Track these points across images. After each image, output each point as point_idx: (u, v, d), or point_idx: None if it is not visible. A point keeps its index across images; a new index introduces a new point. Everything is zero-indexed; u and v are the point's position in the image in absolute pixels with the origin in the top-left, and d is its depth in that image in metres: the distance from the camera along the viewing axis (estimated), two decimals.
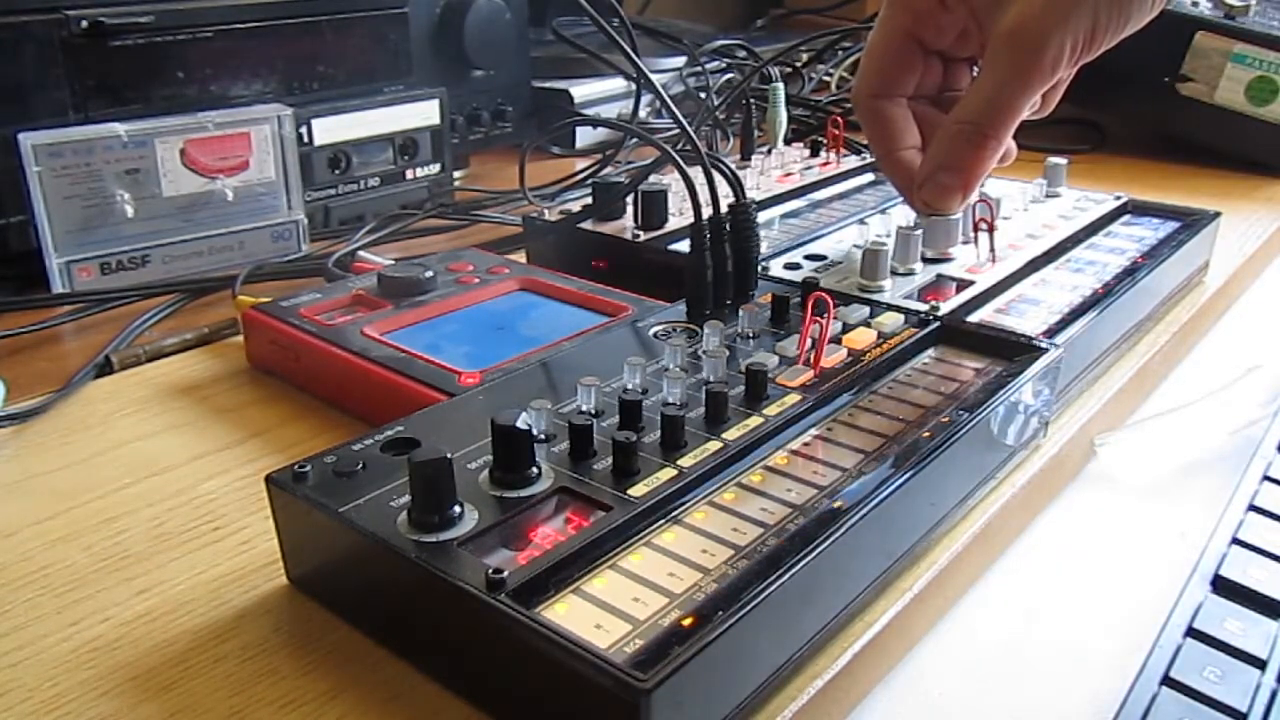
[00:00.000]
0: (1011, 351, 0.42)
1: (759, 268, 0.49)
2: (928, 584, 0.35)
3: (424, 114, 0.74)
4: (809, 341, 0.41)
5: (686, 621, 0.27)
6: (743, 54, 1.02)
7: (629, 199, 0.58)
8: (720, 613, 0.27)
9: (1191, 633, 0.35)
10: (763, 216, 0.59)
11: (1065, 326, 0.46)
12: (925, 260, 0.51)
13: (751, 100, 0.73)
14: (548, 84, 0.91)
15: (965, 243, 0.53)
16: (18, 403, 0.47)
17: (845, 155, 0.71)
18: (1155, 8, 0.43)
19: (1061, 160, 0.63)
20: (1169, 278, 0.55)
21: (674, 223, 0.57)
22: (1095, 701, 0.33)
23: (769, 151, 0.72)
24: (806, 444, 0.36)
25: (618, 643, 0.27)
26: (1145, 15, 0.43)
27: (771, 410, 0.37)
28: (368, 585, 0.32)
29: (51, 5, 0.57)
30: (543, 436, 0.35)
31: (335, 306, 0.50)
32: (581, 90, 0.92)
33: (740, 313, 0.43)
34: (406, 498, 0.31)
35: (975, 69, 0.50)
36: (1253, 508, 0.42)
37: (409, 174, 0.74)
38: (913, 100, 0.49)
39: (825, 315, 0.40)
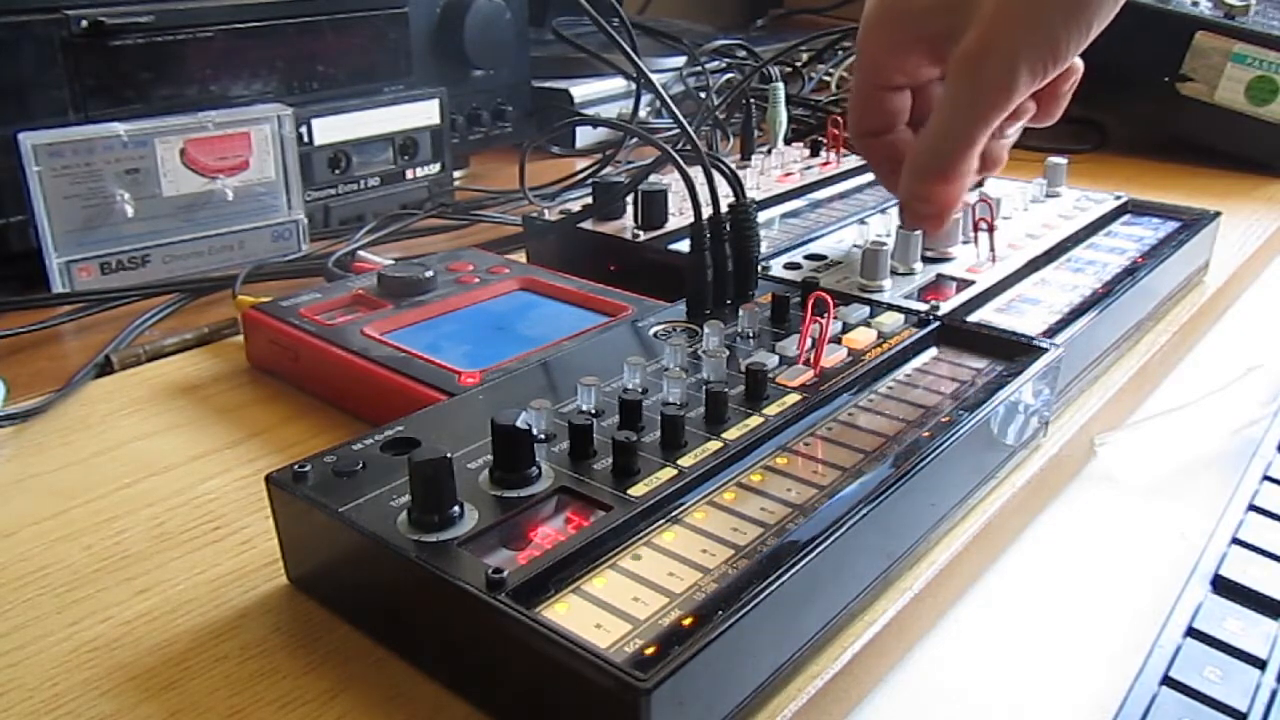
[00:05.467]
0: (1011, 351, 0.42)
1: (759, 267, 0.49)
2: (928, 584, 0.35)
3: (424, 114, 0.74)
4: (809, 341, 0.41)
5: (686, 621, 0.27)
6: (743, 54, 1.02)
7: (629, 199, 0.58)
8: (720, 613, 0.27)
9: (1191, 632, 0.35)
10: (763, 216, 0.59)
11: (1065, 326, 0.46)
12: (925, 260, 0.51)
13: (751, 100, 0.73)
14: (548, 84, 0.91)
15: (965, 242, 0.53)
16: (18, 403, 0.47)
17: (845, 155, 0.71)
18: (1118, 3, 0.41)
19: (1061, 160, 0.63)
20: (1169, 277, 0.55)
21: (674, 222, 0.57)
22: (1095, 701, 0.33)
23: (769, 151, 0.72)
24: (806, 444, 0.36)
25: (618, 642, 0.27)
26: (1109, 14, 0.41)
27: (771, 410, 0.37)
28: (368, 585, 0.32)
29: (51, 5, 0.57)
30: (543, 436, 0.35)
31: (335, 306, 0.50)
32: (581, 90, 0.92)
33: (740, 312, 0.43)
34: (406, 497, 0.31)
35: None
36: (1253, 508, 0.42)
37: (409, 174, 0.74)
38: (918, 126, 0.49)
39: (825, 315, 0.40)
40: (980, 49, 0.41)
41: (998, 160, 0.50)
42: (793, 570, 0.29)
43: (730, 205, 0.47)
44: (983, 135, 0.43)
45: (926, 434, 0.36)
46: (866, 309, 0.45)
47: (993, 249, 0.52)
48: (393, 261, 0.58)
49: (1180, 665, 0.33)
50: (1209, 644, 0.34)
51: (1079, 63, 0.47)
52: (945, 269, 0.51)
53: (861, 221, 0.58)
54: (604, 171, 0.77)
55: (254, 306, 0.50)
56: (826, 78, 1.04)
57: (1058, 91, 0.47)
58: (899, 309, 0.45)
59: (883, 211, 0.60)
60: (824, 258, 0.53)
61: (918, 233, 0.50)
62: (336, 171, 0.71)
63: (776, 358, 0.41)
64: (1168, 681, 0.33)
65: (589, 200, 0.60)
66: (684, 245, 0.49)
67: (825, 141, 0.71)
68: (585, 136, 0.93)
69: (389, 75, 0.74)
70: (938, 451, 0.35)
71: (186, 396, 0.48)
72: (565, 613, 0.28)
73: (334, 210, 0.71)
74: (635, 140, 0.81)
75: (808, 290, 0.43)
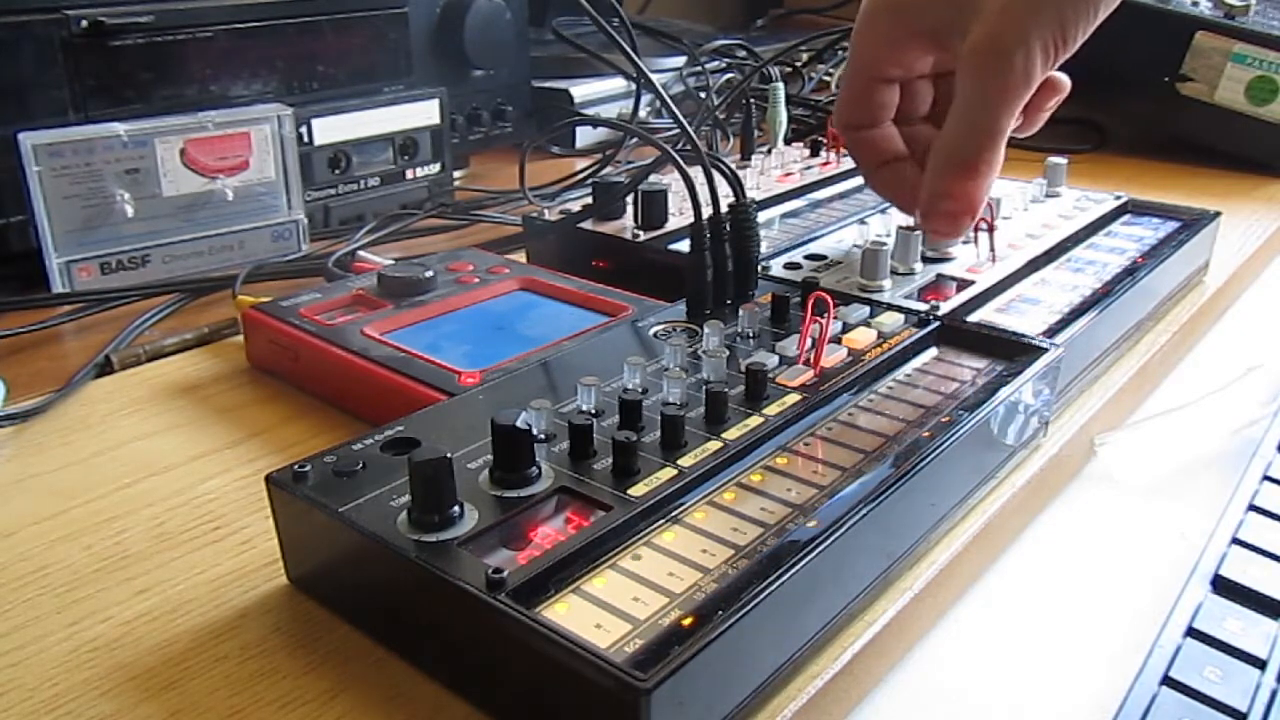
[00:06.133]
0: (1011, 351, 0.42)
1: (759, 267, 0.49)
2: (928, 584, 0.35)
3: (424, 114, 0.74)
4: (809, 341, 0.41)
5: (686, 621, 0.27)
6: (743, 54, 1.02)
7: (629, 199, 0.58)
8: (720, 613, 0.27)
9: (1191, 632, 0.35)
10: (763, 216, 0.59)
11: (1065, 326, 0.46)
12: (925, 260, 0.51)
13: (751, 100, 0.73)
14: (548, 84, 0.91)
15: (965, 242, 0.53)
16: (18, 403, 0.47)
17: (845, 155, 0.71)
18: None
19: (1061, 160, 0.63)
20: (1169, 277, 0.55)
21: (674, 222, 0.57)
22: (1095, 701, 0.33)
23: (769, 151, 0.72)
24: (806, 444, 0.36)
25: (618, 642, 0.27)
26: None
27: (771, 410, 0.37)
28: (368, 585, 0.32)
29: (51, 5, 0.57)
30: (543, 436, 0.35)
31: (335, 306, 0.50)
32: (581, 90, 0.92)
33: (740, 312, 0.43)
34: (406, 497, 0.31)
35: None
36: (1253, 508, 0.42)
37: (409, 174, 0.74)
38: (902, 124, 0.49)
39: (825, 315, 0.40)
40: (993, 39, 0.41)
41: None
42: (793, 570, 0.29)
43: (730, 205, 0.47)
44: (1007, 124, 0.43)
45: (926, 434, 0.36)
46: (866, 309, 0.45)
47: (993, 249, 0.52)
48: (393, 261, 0.58)
49: (1180, 665, 0.33)
50: (1209, 644, 0.34)
51: (1065, 79, 0.47)
52: (945, 269, 0.51)
53: (861, 221, 0.58)
54: (604, 171, 0.78)
55: (254, 306, 0.50)
56: (826, 78, 1.04)
57: (1042, 105, 0.47)
58: (899, 309, 0.45)
59: (883, 211, 0.60)
60: (824, 258, 0.53)
61: (918, 233, 0.50)
62: (336, 171, 0.71)
63: (776, 358, 0.41)
64: (1168, 681, 0.33)
65: (589, 200, 0.60)
66: (684, 245, 0.49)
67: (825, 141, 0.71)
68: (585, 136, 0.93)
69: (389, 75, 0.74)
70: (938, 451, 0.34)
71: (186, 396, 0.48)
72: (565, 613, 0.28)
73: (334, 210, 0.71)
74: (635, 140, 0.81)
75: (808, 290, 0.43)
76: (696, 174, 0.46)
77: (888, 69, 0.47)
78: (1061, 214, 0.58)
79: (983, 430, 0.37)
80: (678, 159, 0.48)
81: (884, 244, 0.48)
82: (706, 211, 0.46)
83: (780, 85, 0.74)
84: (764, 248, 0.50)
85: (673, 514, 0.32)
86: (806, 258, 0.53)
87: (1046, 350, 0.41)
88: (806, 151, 0.72)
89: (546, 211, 0.60)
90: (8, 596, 0.34)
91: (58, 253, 0.57)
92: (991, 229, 0.52)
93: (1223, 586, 0.37)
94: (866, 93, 0.47)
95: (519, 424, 0.32)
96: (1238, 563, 0.38)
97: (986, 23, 0.41)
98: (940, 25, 0.43)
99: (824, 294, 0.40)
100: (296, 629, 0.33)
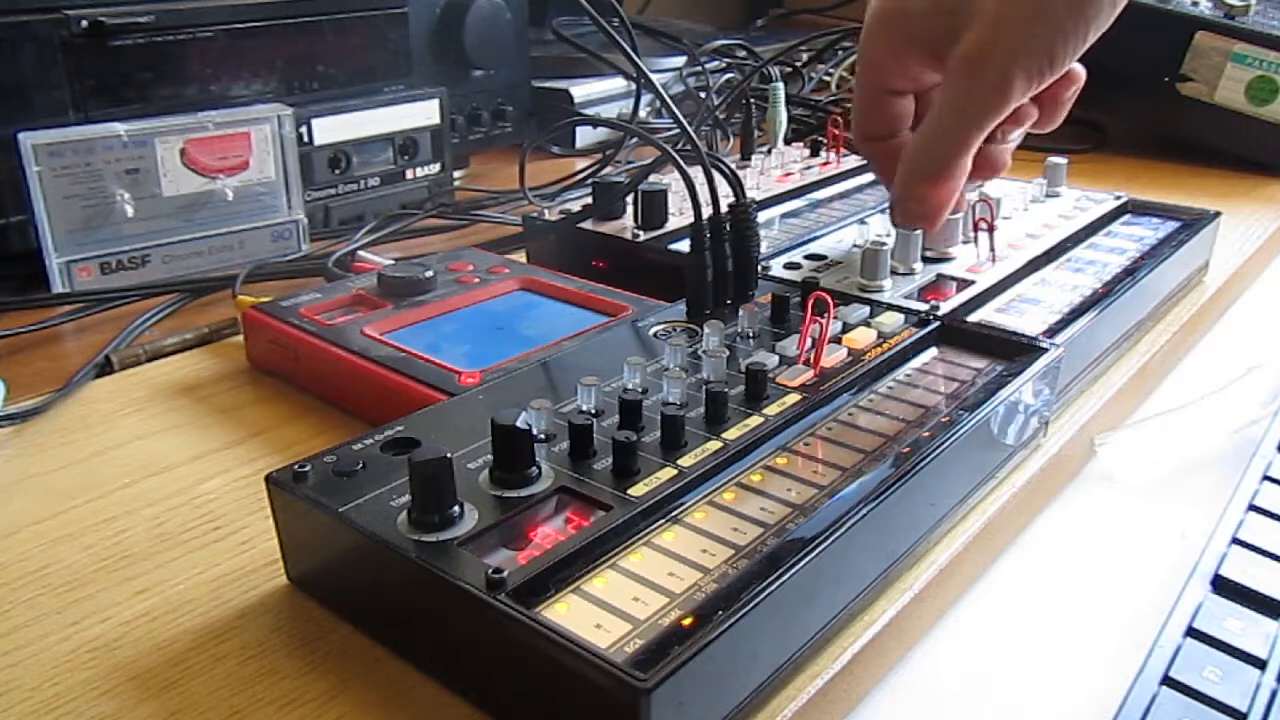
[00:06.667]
0: (1011, 351, 0.42)
1: (759, 267, 0.49)
2: (928, 584, 0.35)
3: (424, 114, 0.74)
4: (809, 341, 0.41)
5: (686, 621, 0.27)
6: (743, 54, 1.02)
7: (629, 199, 0.58)
8: (720, 612, 0.27)
9: (1191, 632, 0.35)
10: (763, 216, 0.59)
11: (1065, 326, 0.46)
12: (925, 260, 0.51)
13: (751, 100, 0.73)
14: (548, 84, 0.91)
15: (965, 242, 0.53)
16: (18, 403, 0.47)
17: (845, 155, 0.71)
18: (1117, 6, 0.41)
19: (1061, 160, 0.63)
20: (1169, 277, 0.55)
21: (674, 222, 0.57)
22: (1095, 701, 0.33)
23: (769, 151, 0.72)
24: (806, 444, 0.36)
25: (618, 642, 0.27)
26: (1107, 20, 0.41)
27: (771, 410, 0.37)
28: (368, 585, 0.32)
29: (51, 5, 0.57)
30: (543, 436, 0.35)
31: (335, 306, 0.50)
32: (581, 90, 0.92)
33: (740, 312, 0.43)
34: (406, 497, 0.31)
35: None
36: (1253, 508, 0.42)
37: (409, 174, 0.74)
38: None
39: (825, 315, 0.40)
40: (978, 52, 0.41)
41: (1000, 164, 0.50)
42: (793, 570, 0.29)
43: (730, 205, 0.47)
44: (976, 138, 0.43)
45: (926, 434, 0.36)
46: (866, 309, 0.45)
47: (993, 249, 0.52)
48: (393, 261, 0.58)
49: (1180, 665, 0.33)
50: (1209, 644, 0.34)
51: (1081, 70, 0.47)
52: (945, 269, 0.51)
53: (861, 221, 0.58)
54: (604, 171, 0.77)
55: (254, 306, 0.50)
56: (826, 78, 1.04)
57: (1059, 97, 0.47)
58: (899, 309, 0.45)
59: (883, 211, 0.60)
60: (824, 258, 0.53)
61: (918, 233, 0.50)
62: (336, 171, 0.71)
63: (776, 358, 0.41)
64: (1168, 681, 0.33)
65: (589, 200, 0.60)
66: (684, 245, 0.49)
67: (825, 141, 0.71)
68: (585, 136, 0.93)
69: (389, 75, 0.74)
70: (938, 451, 0.34)
71: (186, 396, 0.48)
72: (565, 613, 0.28)
73: (334, 210, 0.71)
74: (635, 140, 0.81)
75: (808, 290, 0.43)
76: (696, 174, 0.46)
77: (893, 81, 0.47)
78: (1061, 214, 0.58)
79: (983, 430, 0.37)
80: (678, 159, 0.48)
81: (884, 244, 0.48)
82: (706, 211, 0.46)
83: (780, 85, 0.74)
84: (764, 248, 0.50)
85: (673, 514, 0.32)
86: (806, 258, 0.53)
87: (1046, 350, 0.41)
88: (806, 151, 0.72)
89: (546, 211, 0.60)
90: (8, 596, 0.34)
91: (58, 253, 0.57)
92: (991, 229, 0.52)
93: (1223, 586, 0.37)
94: (877, 105, 0.48)
95: (519, 424, 0.32)
96: (1238, 563, 0.38)
97: (977, 35, 0.41)
98: (936, 36, 0.43)
99: (824, 294, 0.40)
100: (296, 629, 0.33)
